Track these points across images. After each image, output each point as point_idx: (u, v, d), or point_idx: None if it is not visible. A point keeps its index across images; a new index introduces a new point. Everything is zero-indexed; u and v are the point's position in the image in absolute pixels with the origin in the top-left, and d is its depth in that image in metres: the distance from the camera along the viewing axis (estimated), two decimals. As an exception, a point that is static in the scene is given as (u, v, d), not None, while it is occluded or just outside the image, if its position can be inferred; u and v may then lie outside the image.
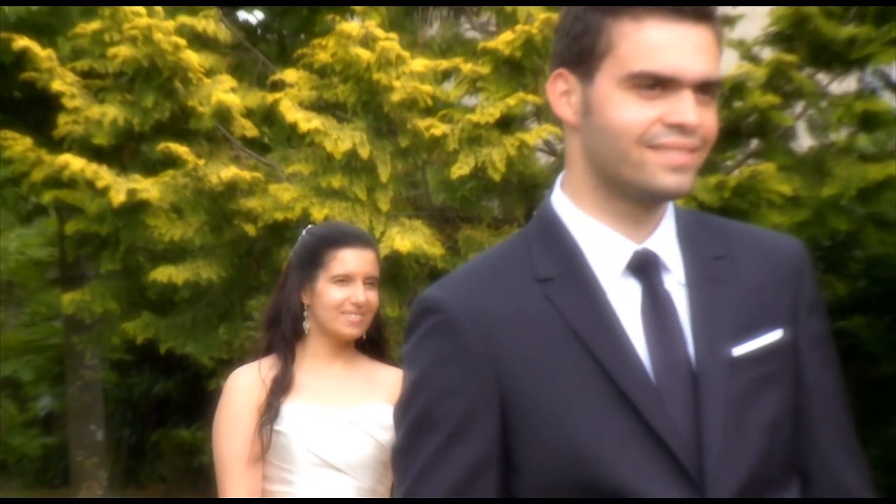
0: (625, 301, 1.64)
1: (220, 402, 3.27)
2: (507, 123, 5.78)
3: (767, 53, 6.66)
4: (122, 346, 10.02)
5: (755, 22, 6.82)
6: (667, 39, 1.58)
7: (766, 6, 6.59)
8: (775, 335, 1.67)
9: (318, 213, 5.48)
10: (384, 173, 5.62)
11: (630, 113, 1.59)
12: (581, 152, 1.67)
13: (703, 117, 1.60)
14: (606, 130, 1.61)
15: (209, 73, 6.12)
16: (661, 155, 1.59)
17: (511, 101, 5.61)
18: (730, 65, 6.61)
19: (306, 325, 3.29)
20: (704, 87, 1.60)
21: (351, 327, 3.25)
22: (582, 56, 1.63)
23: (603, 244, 1.66)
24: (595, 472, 1.57)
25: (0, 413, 13.45)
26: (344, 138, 5.55)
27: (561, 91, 1.68)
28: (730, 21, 7.17)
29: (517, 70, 5.87)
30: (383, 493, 3.23)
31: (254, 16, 8.42)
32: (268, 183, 5.81)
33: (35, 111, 7.36)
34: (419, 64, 5.74)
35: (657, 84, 1.58)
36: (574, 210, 1.68)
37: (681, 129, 1.59)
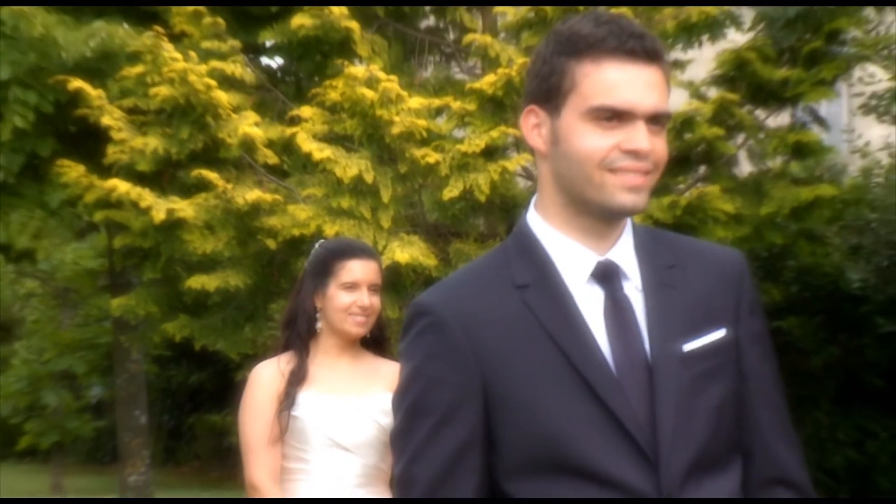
0: (590, 304, 1.63)
1: (245, 391, 3.26)
2: (490, 153, 5.77)
3: (713, 93, 6.68)
4: (162, 343, 9.99)
5: (702, 66, 6.85)
6: (622, 78, 1.58)
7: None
8: (720, 333, 1.66)
9: (329, 230, 5.46)
10: (386, 195, 5.61)
11: (591, 141, 1.59)
12: (551, 176, 1.67)
13: (655, 144, 1.60)
14: (572, 157, 1.61)
15: (236, 109, 6.11)
16: (618, 177, 1.59)
17: (494, 133, 5.60)
18: (680, 102, 6.63)
19: (319, 325, 3.28)
20: (655, 119, 1.60)
21: (357, 327, 3.25)
22: (550, 94, 1.63)
23: (571, 255, 1.65)
24: (564, 451, 1.57)
25: (58, 400, 13.42)
26: (351, 165, 5.54)
27: (532, 124, 1.67)
28: (680, 65, 7.19)
29: (499, 107, 5.86)
30: (385, 470, 3.22)
31: (274, 61, 8.43)
32: (286, 204, 5.78)
33: (87, 143, 7.32)
34: (415, 102, 5.72)
35: (614, 116, 1.58)
36: (546, 226, 1.68)
37: (635, 154, 1.59)
